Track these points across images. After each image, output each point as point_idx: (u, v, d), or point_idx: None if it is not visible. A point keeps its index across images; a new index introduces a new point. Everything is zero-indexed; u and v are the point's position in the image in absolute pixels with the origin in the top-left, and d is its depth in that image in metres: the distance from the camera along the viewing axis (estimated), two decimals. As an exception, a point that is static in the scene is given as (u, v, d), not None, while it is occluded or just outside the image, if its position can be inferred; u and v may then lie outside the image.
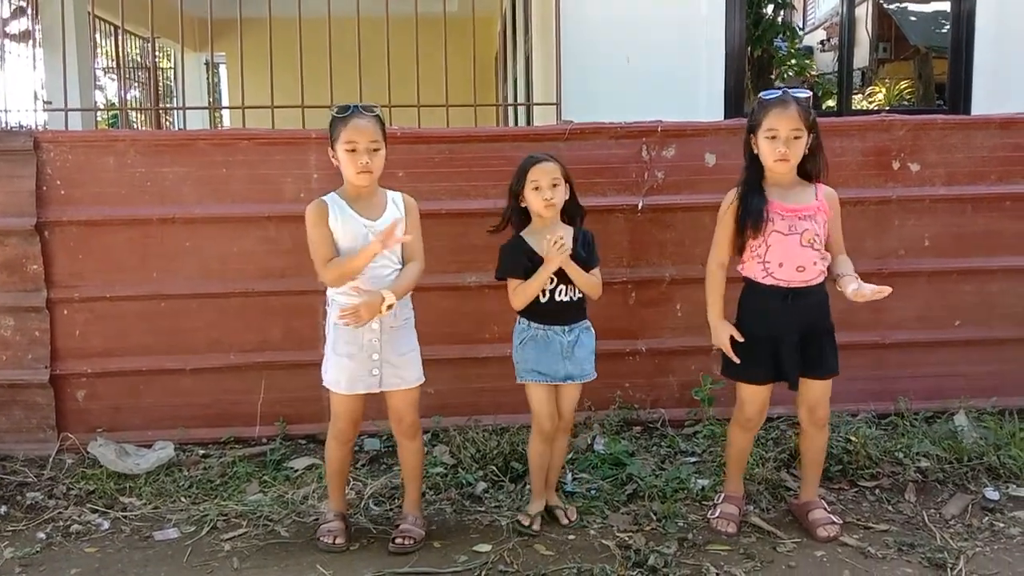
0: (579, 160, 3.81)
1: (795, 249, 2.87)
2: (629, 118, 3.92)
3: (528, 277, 2.96)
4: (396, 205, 2.93)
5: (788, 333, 2.91)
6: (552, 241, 2.86)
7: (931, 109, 7.38)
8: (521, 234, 3.03)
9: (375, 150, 2.81)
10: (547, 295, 2.99)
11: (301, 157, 3.77)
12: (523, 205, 3.02)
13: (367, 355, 2.86)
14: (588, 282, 3.01)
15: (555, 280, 2.97)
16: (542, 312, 3.01)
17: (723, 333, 2.95)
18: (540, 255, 2.95)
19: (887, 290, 2.78)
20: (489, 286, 3.74)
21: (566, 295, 3.00)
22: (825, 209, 2.91)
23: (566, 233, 3.01)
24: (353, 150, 2.78)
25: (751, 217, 2.86)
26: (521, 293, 2.98)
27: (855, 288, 2.80)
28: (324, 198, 2.90)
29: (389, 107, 4.49)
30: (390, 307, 2.74)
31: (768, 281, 2.91)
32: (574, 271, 2.96)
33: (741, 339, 2.93)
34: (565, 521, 3.11)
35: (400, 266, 2.90)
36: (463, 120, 4.81)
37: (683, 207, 3.86)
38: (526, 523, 3.05)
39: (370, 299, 2.73)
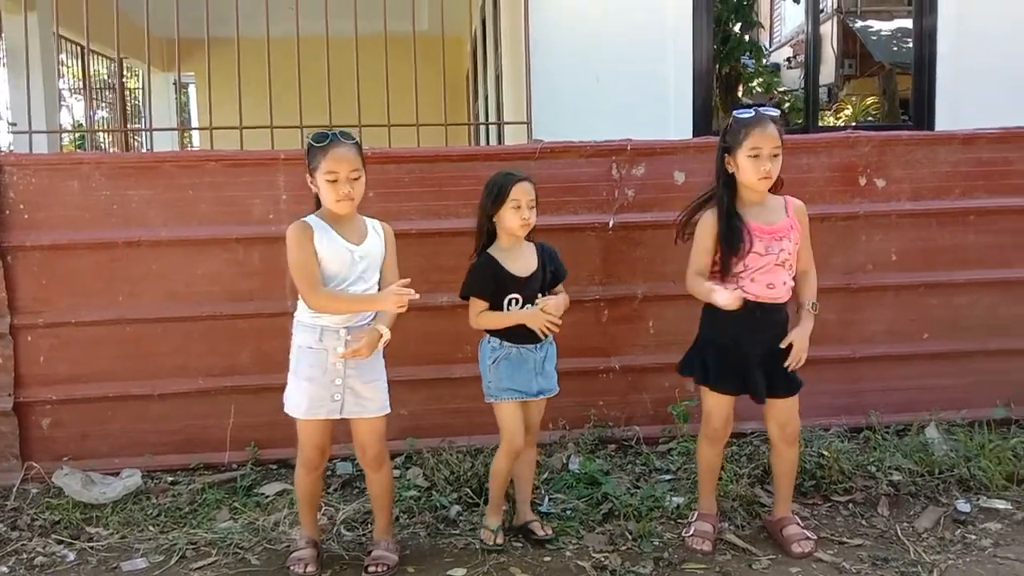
0: (550, 179, 3.82)
1: (770, 268, 2.90)
2: (599, 137, 3.94)
3: (493, 296, 2.98)
4: (377, 233, 2.90)
5: (753, 347, 2.93)
6: (547, 313, 2.93)
7: (896, 125, 7.50)
8: (490, 252, 3.02)
9: (355, 179, 2.78)
10: None
11: (270, 178, 3.74)
12: (489, 220, 3.02)
13: (330, 380, 2.82)
14: (565, 308, 3.04)
15: (520, 301, 2.99)
16: (513, 332, 3.00)
17: (724, 291, 2.83)
18: (510, 272, 2.97)
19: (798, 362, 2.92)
20: (462, 306, 3.69)
21: None
22: (797, 226, 2.95)
23: (531, 252, 3.03)
24: (335, 180, 2.75)
25: (733, 244, 2.88)
26: (484, 320, 3.00)
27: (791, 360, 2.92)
28: (307, 219, 2.83)
29: (359, 127, 4.48)
30: (387, 342, 2.79)
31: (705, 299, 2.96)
32: (561, 310, 3.00)
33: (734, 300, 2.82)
34: (541, 534, 3.09)
35: (374, 288, 2.87)
36: (434, 140, 4.81)
37: (653, 225, 3.87)
38: (490, 541, 3.04)
39: (370, 338, 2.75)
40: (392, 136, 4.63)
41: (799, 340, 2.91)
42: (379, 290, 2.86)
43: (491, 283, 2.97)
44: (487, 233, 3.05)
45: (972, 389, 4.09)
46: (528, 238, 3.07)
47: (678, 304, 3.84)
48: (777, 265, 2.90)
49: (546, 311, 2.95)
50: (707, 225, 2.96)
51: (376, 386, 2.89)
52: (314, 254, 2.77)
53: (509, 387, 3.01)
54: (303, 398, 2.85)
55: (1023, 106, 4.83)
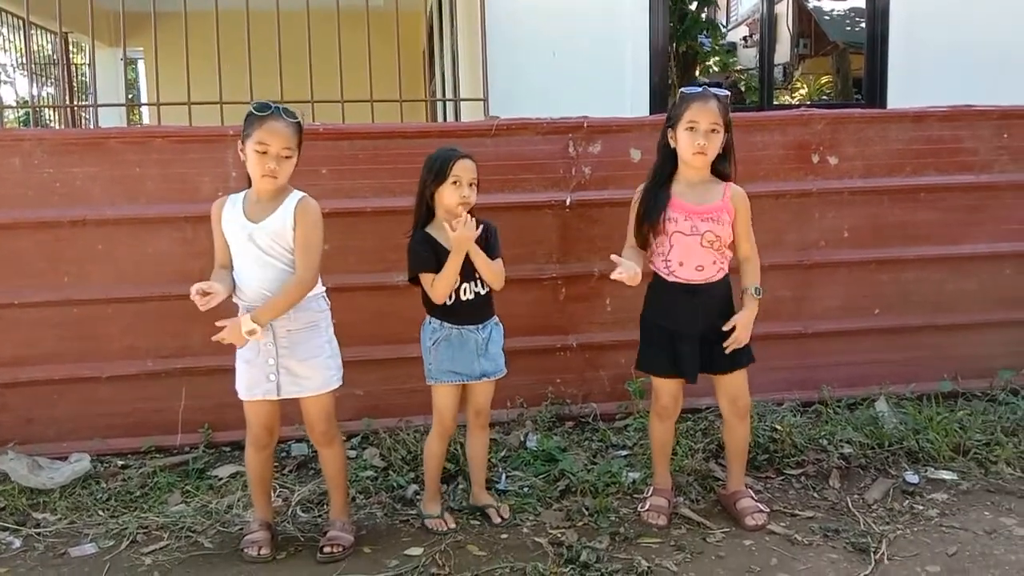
0: (506, 156, 3.81)
1: (696, 250, 2.92)
2: (555, 114, 3.91)
3: (437, 271, 2.92)
4: (287, 210, 2.74)
5: (688, 329, 2.96)
6: (461, 221, 2.82)
7: (849, 103, 7.59)
8: (426, 230, 2.97)
9: (286, 157, 2.71)
10: (452, 296, 2.96)
11: (218, 155, 3.65)
12: (431, 198, 2.95)
13: (263, 360, 2.78)
14: (491, 269, 2.96)
15: (458, 280, 2.94)
16: (451, 312, 2.97)
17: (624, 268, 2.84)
18: (446, 248, 2.91)
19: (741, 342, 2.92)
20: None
21: (470, 292, 2.98)
22: (729, 210, 2.93)
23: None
24: (264, 152, 2.68)
25: (650, 214, 2.93)
26: (440, 284, 2.91)
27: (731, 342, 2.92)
28: (230, 195, 2.84)
29: (312, 103, 4.40)
30: (251, 333, 2.65)
31: (671, 279, 2.97)
32: (478, 257, 2.92)
33: (633, 277, 2.83)
34: (498, 520, 3.09)
35: (292, 269, 2.76)
36: (390, 117, 4.74)
37: (610, 202, 3.86)
38: (441, 528, 3.03)
39: (231, 326, 2.67)
40: (346, 113, 4.56)
41: (741, 325, 2.93)
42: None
43: (433, 256, 2.92)
44: (426, 211, 2.98)
45: (920, 363, 4.17)
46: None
47: (635, 282, 3.86)
48: (703, 247, 2.91)
49: (455, 227, 2.84)
50: (636, 197, 3.02)
51: (313, 364, 2.82)
52: (220, 232, 2.78)
53: (449, 369, 2.98)
54: (242, 379, 2.84)
55: (973, 84, 4.91)
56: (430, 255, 2.92)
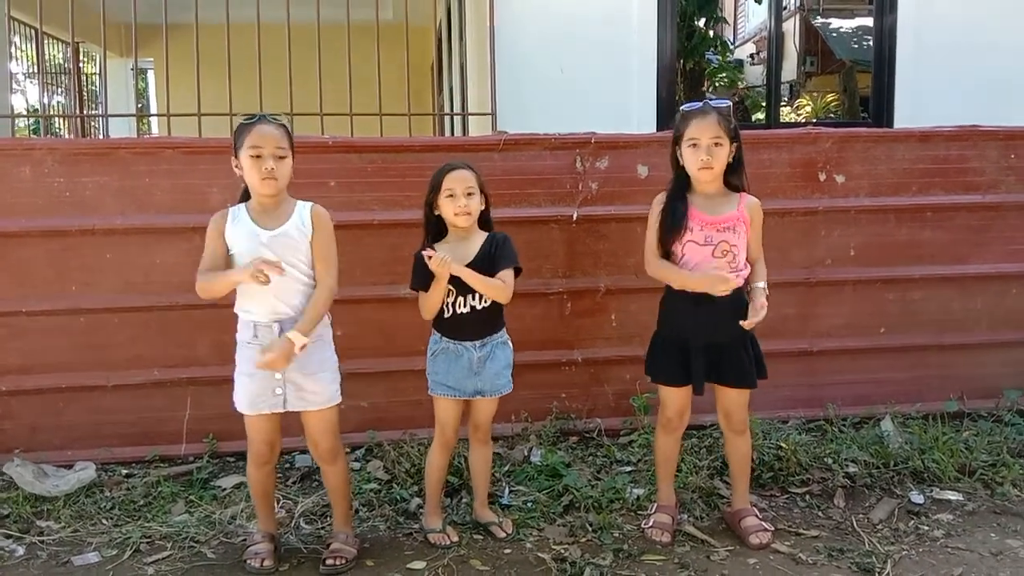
0: (514, 170, 3.82)
1: (706, 260, 2.92)
2: (563, 129, 3.93)
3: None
4: (301, 217, 2.78)
5: (694, 339, 2.95)
6: (432, 259, 2.80)
7: (856, 122, 7.60)
8: (434, 245, 2.96)
9: (281, 157, 2.72)
10: (449, 309, 2.95)
11: (228, 166, 3.58)
12: (437, 214, 2.96)
13: (269, 374, 2.74)
14: (491, 286, 2.89)
15: (454, 293, 2.93)
16: (448, 326, 2.97)
17: (711, 272, 2.88)
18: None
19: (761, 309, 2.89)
20: (423, 297, 3.71)
21: (466, 306, 2.94)
22: (745, 219, 2.95)
23: (480, 239, 2.97)
24: (258, 156, 2.69)
25: (672, 223, 2.92)
26: (425, 304, 2.96)
27: (751, 319, 2.89)
28: (229, 208, 2.82)
29: (321, 115, 4.43)
30: (303, 347, 2.66)
31: (678, 287, 2.96)
32: (472, 279, 2.87)
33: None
34: (501, 535, 3.08)
35: (311, 281, 2.78)
36: (398, 130, 4.76)
37: (616, 218, 3.88)
38: (444, 543, 3.02)
39: (282, 349, 2.64)
40: (355, 126, 4.58)
41: (753, 310, 2.90)
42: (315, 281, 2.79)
43: (428, 275, 2.88)
44: (435, 226, 2.98)
45: (926, 383, 4.17)
46: (488, 229, 3.03)
47: (641, 297, 3.86)
48: (715, 257, 2.91)
49: (433, 258, 2.80)
50: (655, 205, 3.01)
51: (319, 378, 2.81)
52: (221, 242, 2.76)
53: (444, 383, 2.98)
54: (244, 394, 2.80)
55: (980, 105, 4.92)
56: (425, 273, 2.89)
